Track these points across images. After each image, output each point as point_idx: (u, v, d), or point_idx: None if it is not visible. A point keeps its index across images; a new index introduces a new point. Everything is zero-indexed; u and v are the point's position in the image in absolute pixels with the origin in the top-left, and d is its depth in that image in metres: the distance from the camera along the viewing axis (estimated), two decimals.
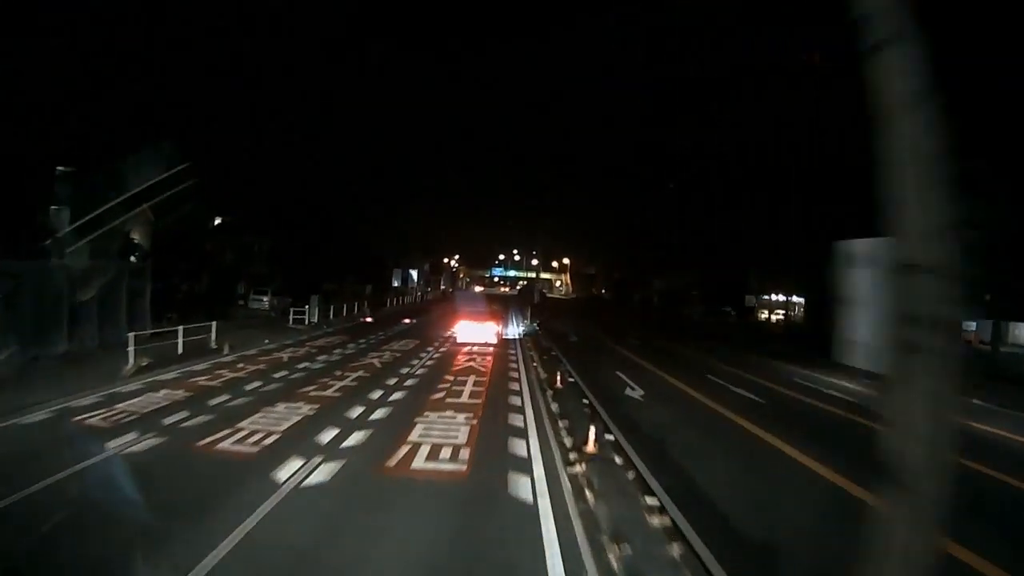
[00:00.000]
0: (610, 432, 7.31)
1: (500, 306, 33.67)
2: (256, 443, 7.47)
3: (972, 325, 28.77)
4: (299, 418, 8.74)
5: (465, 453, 7.02)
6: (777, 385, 14.79)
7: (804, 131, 38.85)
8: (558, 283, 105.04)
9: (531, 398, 10.07)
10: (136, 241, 28.93)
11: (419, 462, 6.75)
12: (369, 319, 31.38)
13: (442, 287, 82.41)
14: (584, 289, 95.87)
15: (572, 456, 6.36)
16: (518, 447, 7.30)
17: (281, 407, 9.39)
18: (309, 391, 10.69)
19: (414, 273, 68.77)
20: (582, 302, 70.03)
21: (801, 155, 38.80)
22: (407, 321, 31.57)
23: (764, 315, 43.66)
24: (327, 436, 7.76)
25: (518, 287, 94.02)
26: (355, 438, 7.73)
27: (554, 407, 8.88)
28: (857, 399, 13.57)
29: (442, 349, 17.43)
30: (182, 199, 33.18)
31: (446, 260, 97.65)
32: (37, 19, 20.18)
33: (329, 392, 10.65)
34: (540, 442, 7.39)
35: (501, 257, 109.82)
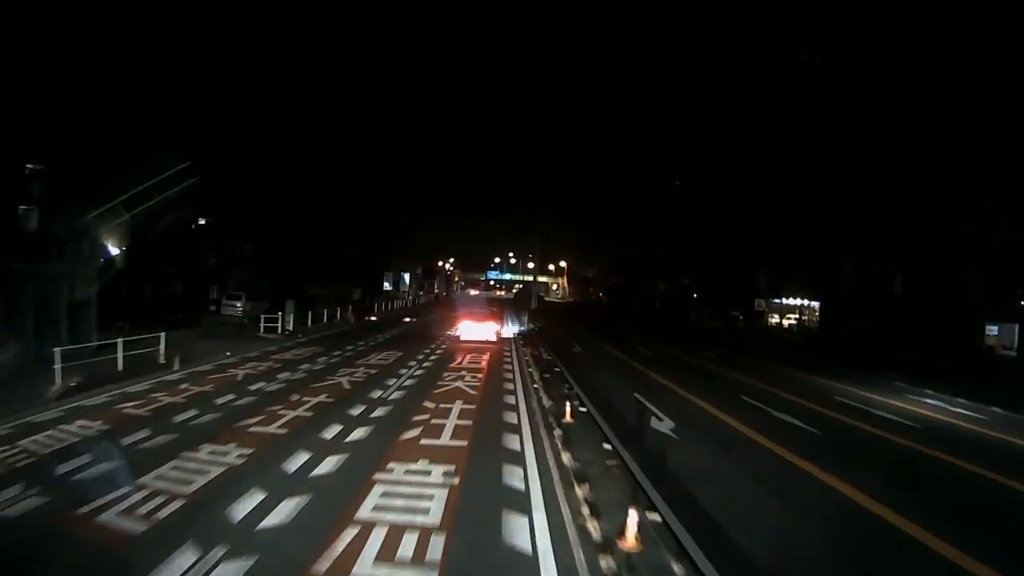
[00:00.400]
0: (654, 507, 4.88)
1: (497, 309, 33.66)
2: (148, 515, 5.17)
3: (994, 329, 26.94)
4: (220, 471, 6.38)
5: (437, 546, 4.59)
6: (820, 406, 12.49)
7: (812, 124, 36.91)
8: (554, 286, 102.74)
9: (534, 440, 7.62)
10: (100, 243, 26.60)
11: (364, 566, 4.33)
12: (371, 319, 29.03)
13: (436, 291, 79.90)
14: (581, 292, 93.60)
15: (607, 565, 3.93)
16: (518, 534, 4.84)
17: (204, 452, 7.03)
18: (249, 425, 8.31)
19: (406, 276, 66.32)
20: (580, 306, 67.64)
21: (808, 151, 36.78)
22: (401, 322, 29.25)
23: (774, 319, 41.36)
24: (244, 507, 5.39)
25: (514, 290, 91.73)
26: (282, 512, 5.33)
27: (567, 458, 6.45)
28: (919, 424, 11.37)
29: (427, 364, 14.99)
30: (164, 198, 31.23)
31: (440, 263, 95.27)
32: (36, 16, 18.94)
33: (273, 428, 8.24)
34: (552, 528, 4.92)
35: (497, 260, 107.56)
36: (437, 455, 6.93)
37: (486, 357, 16.24)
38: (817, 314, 36.67)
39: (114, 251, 35.78)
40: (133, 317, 21.28)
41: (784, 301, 40.78)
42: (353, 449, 7.28)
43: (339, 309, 28.26)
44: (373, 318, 31.89)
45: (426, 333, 24.21)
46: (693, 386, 13.70)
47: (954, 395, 15.03)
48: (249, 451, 7.12)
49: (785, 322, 39.94)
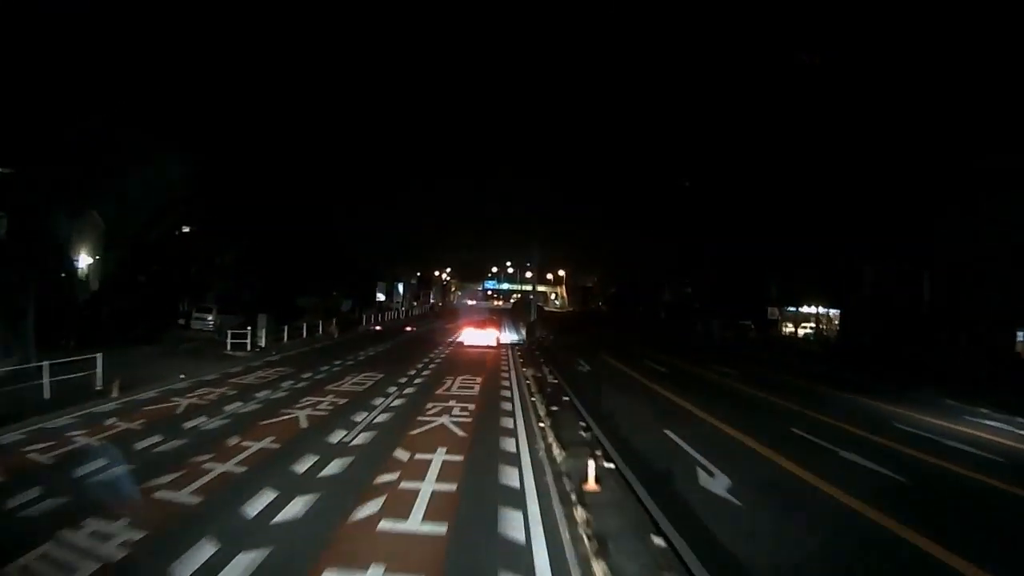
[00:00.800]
0: None
1: (496, 318, 33.59)
2: None
3: (1021, 335, 25.40)
4: (90, 570, 4.27)
5: None
6: (883, 438, 10.33)
7: (824, 123, 34.92)
8: (553, 296, 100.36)
9: (546, 529, 5.17)
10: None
11: None
12: (357, 333, 26.60)
13: (431, 300, 77.53)
14: (580, 302, 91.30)
15: None
16: None
17: (87, 531, 4.92)
18: (158, 487, 6.11)
19: (400, 286, 63.99)
20: (581, 317, 65.30)
21: (819, 151, 34.73)
22: (390, 336, 26.93)
23: (788, 328, 39.02)
24: None
25: (511, 300, 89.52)
26: None
27: (602, 571, 4.04)
28: (1001, 456, 9.35)
29: (409, 389, 12.57)
30: (146, 204, 29.37)
31: (437, 273, 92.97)
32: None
33: (185, 493, 5.99)
34: None
35: (494, 270, 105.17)
36: (400, 555, 4.54)
37: (480, 380, 13.83)
38: (836, 323, 34.36)
39: (87, 260, 33.49)
40: (88, 332, 18.94)
41: (798, 309, 38.51)
42: (280, 537, 4.91)
43: (321, 322, 25.80)
44: (377, 328, 29.56)
45: (415, 350, 21.81)
46: (728, 415, 11.35)
47: (1010, 414, 13.22)
48: (139, 535, 4.87)
49: (800, 331, 37.64)
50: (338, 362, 16.96)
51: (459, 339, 24.38)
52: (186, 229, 36.93)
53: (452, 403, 10.86)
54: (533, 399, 10.86)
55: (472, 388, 12.70)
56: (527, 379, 13.57)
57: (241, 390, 12.12)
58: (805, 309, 37.76)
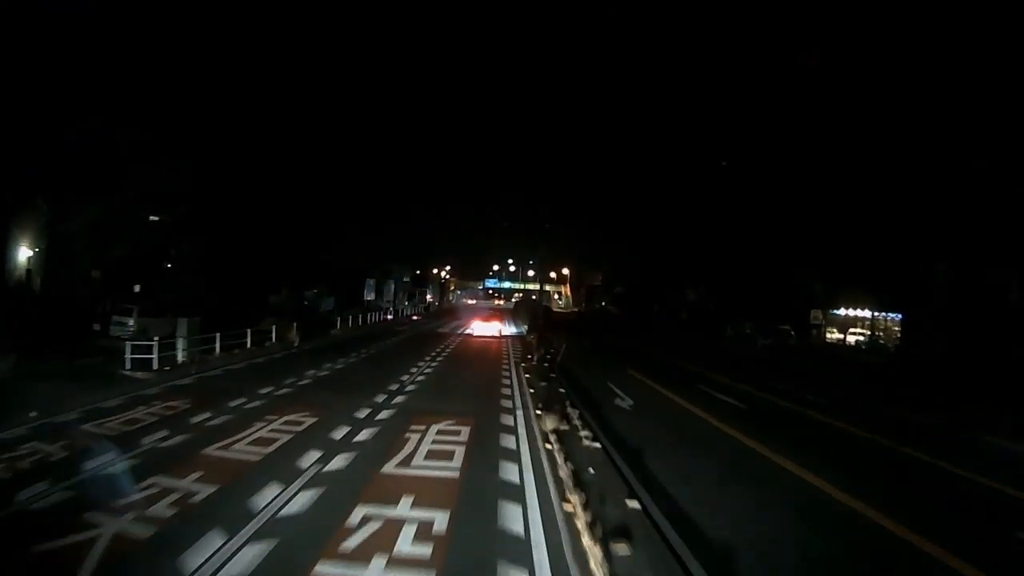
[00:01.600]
0: None
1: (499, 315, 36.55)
2: None
3: None
4: None
5: None
6: None
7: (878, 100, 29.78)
8: (556, 295, 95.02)
9: None
10: None
11: None
12: (325, 339, 21.55)
13: (427, 300, 72.17)
14: (585, 301, 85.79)
15: None
16: None
17: None
18: None
19: (392, 284, 58.72)
20: (590, 319, 59.82)
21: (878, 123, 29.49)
22: (365, 344, 21.71)
23: (833, 334, 33.66)
24: None
25: (513, 299, 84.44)
26: None
27: None
28: None
29: (342, 457, 7.22)
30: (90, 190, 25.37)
31: (436, 270, 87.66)
32: None
33: None
34: None
35: (495, 268, 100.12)
36: None
37: (467, 434, 8.47)
38: (899, 330, 29.06)
39: (27, 253, 28.41)
40: None
41: (844, 312, 33.19)
42: None
43: (275, 327, 20.45)
44: (311, 346, 24.41)
45: (387, 366, 16.53)
46: (911, 511, 6.16)
47: None
48: None
49: (851, 338, 32.28)
50: (267, 390, 11.70)
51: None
52: (154, 218, 32.28)
53: (404, 504, 5.54)
54: (569, 504, 5.54)
55: (451, 456, 7.34)
56: (547, 436, 8.24)
57: (76, 450, 7.10)
58: (855, 312, 32.45)
